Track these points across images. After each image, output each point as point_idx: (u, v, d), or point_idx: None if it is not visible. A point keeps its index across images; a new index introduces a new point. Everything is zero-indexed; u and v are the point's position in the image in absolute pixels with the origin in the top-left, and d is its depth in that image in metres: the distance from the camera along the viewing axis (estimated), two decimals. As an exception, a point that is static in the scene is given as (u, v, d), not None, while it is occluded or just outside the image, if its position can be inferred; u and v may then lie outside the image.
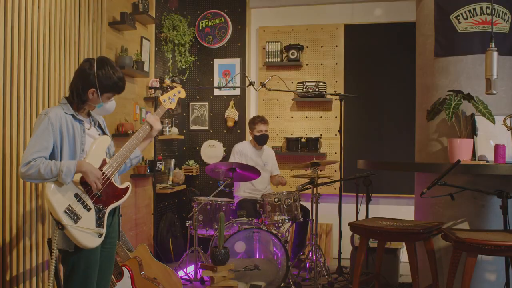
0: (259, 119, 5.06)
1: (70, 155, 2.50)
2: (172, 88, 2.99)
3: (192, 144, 6.01)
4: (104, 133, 2.73)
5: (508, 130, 3.19)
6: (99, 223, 2.50)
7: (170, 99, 2.92)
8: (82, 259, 2.49)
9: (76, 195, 2.45)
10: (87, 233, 2.43)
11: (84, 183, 2.48)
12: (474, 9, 3.48)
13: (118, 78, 2.57)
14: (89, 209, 2.47)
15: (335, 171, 5.53)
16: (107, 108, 2.69)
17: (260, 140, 5.08)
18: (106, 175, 2.55)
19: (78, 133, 2.53)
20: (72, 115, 2.54)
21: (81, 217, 2.43)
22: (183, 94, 3.01)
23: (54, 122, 2.44)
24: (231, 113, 5.80)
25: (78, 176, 2.46)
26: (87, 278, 2.50)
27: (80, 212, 2.43)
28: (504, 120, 3.17)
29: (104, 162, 2.57)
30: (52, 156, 2.46)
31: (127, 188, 2.67)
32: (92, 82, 2.51)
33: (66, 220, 2.36)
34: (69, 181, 2.40)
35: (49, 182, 2.39)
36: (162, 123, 5.39)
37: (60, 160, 2.46)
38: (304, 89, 5.53)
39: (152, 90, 5.02)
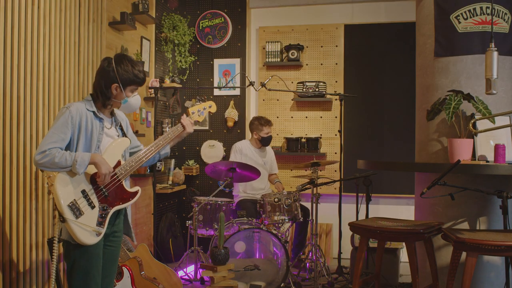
0: (265, 121, 5.07)
1: (85, 150, 2.54)
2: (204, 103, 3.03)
3: (192, 144, 6.01)
4: (124, 135, 2.75)
5: None
6: (100, 222, 2.52)
7: (199, 112, 2.95)
8: (84, 255, 2.51)
9: (83, 192, 2.50)
10: (86, 230, 2.46)
11: (93, 181, 2.53)
12: (474, 9, 3.48)
13: (137, 70, 2.62)
14: (93, 207, 2.51)
15: (335, 171, 5.53)
16: (133, 103, 2.72)
17: (266, 142, 5.11)
18: (117, 176, 2.59)
19: (96, 130, 2.57)
20: (94, 112, 2.59)
21: (84, 213, 2.47)
22: (213, 109, 3.03)
23: (74, 116, 2.50)
24: (231, 113, 5.80)
25: (89, 173, 2.51)
26: (88, 274, 2.52)
27: (84, 208, 2.48)
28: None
29: (118, 164, 2.62)
30: (67, 149, 2.52)
31: (136, 193, 2.70)
32: (113, 78, 2.58)
33: (68, 214, 2.42)
34: (82, 171, 2.45)
35: (60, 174, 2.45)
36: (162, 123, 5.40)
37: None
38: (304, 89, 5.53)
39: (152, 90, 5.02)
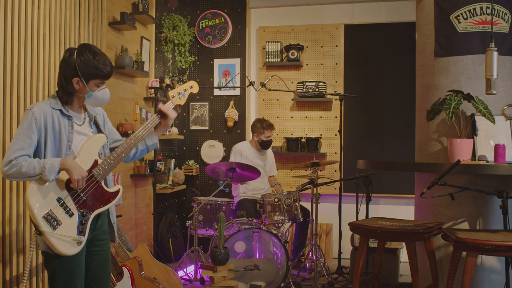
0: (267, 125, 5.05)
1: (55, 152, 2.37)
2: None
3: (192, 144, 6.01)
4: (100, 131, 2.55)
5: (507, 120, 3.19)
6: (81, 230, 2.36)
7: (180, 94, 2.68)
8: (64, 265, 2.36)
9: (59, 199, 2.32)
10: (65, 241, 2.30)
11: (69, 186, 2.35)
12: (474, 9, 3.48)
13: (101, 62, 2.39)
14: (71, 215, 2.34)
15: (335, 171, 5.53)
16: (99, 97, 2.46)
17: (266, 145, 5.11)
18: (95, 178, 2.41)
19: (65, 130, 2.38)
20: (60, 110, 2.39)
21: (62, 223, 2.30)
22: (195, 89, 2.75)
23: (38, 117, 2.32)
24: (231, 113, 5.81)
25: (64, 179, 2.35)
26: (70, 284, 2.38)
27: (61, 217, 2.31)
28: (503, 111, 3.17)
29: (95, 163, 2.42)
30: (36, 153, 2.35)
31: (116, 192, 2.50)
32: (74, 71, 2.36)
33: (44, 227, 2.25)
34: (53, 178, 2.28)
35: (31, 184, 2.29)
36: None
37: (44, 158, 2.34)
38: (304, 89, 5.53)
39: (152, 90, 5.02)
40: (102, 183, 2.46)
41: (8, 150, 2.29)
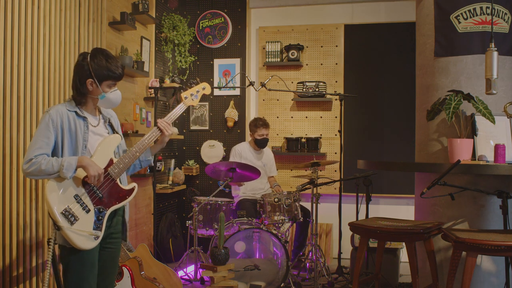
0: (261, 123, 5.03)
1: (72, 151, 2.49)
2: (193, 86, 2.84)
3: (192, 144, 6.01)
4: (114, 132, 2.68)
5: (508, 118, 3.19)
6: (97, 226, 2.47)
7: (193, 96, 2.76)
8: (79, 259, 2.47)
9: (76, 196, 2.44)
10: (82, 235, 2.41)
11: (86, 184, 2.47)
12: (474, 9, 3.48)
13: (113, 65, 2.53)
14: (88, 211, 2.46)
15: (335, 171, 5.53)
16: (112, 98, 2.59)
17: (261, 144, 5.09)
18: (110, 176, 2.53)
19: (80, 130, 2.51)
20: (76, 112, 2.52)
21: (79, 219, 2.42)
22: (208, 90, 2.83)
23: (54, 118, 2.45)
24: (231, 113, 5.81)
25: (81, 176, 2.46)
26: (82, 278, 2.48)
27: (78, 213, 2.42)
28: (505, 107, 3.16)
29: (111, 162, 2.54)
30: (54, 153, 2.47)
31: (132, 190, 2.63)
32: (87, 73, 2.50)
33: (62, 222, 2.37)
34: (70, 175, 2.39)
35: (50, 181, 2.40)
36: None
37: (62, 156, 2.46)
38: (304, 89, 5.53)
39: (152, 90, 5.02)
40: (118, 181, 2.58)
41: (28, 149, 2.42)
